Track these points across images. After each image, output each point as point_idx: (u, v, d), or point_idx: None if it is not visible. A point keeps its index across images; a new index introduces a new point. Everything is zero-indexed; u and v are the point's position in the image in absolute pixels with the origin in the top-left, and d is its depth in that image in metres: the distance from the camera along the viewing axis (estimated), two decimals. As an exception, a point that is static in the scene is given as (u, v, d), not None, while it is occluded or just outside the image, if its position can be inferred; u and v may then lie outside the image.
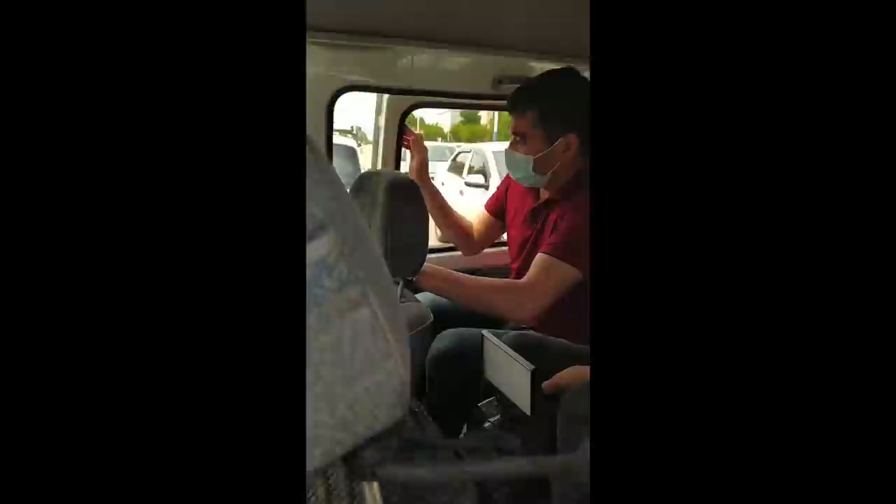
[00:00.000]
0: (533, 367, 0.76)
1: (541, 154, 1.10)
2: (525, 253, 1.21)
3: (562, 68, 1.15)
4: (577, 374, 0.85)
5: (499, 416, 0.88)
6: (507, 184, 1.33)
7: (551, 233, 1.10)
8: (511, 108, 1.13)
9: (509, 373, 0.82)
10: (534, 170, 1.11)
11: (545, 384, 0.84)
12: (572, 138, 1.09)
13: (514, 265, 1.27)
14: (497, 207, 1.37)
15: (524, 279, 1.06)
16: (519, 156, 1.12)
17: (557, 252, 1.04)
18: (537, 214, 1.19)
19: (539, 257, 1.07)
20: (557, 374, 0.86)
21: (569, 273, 1.03)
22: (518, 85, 1.21)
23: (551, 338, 1.14)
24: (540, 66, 1.28)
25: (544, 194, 1.19)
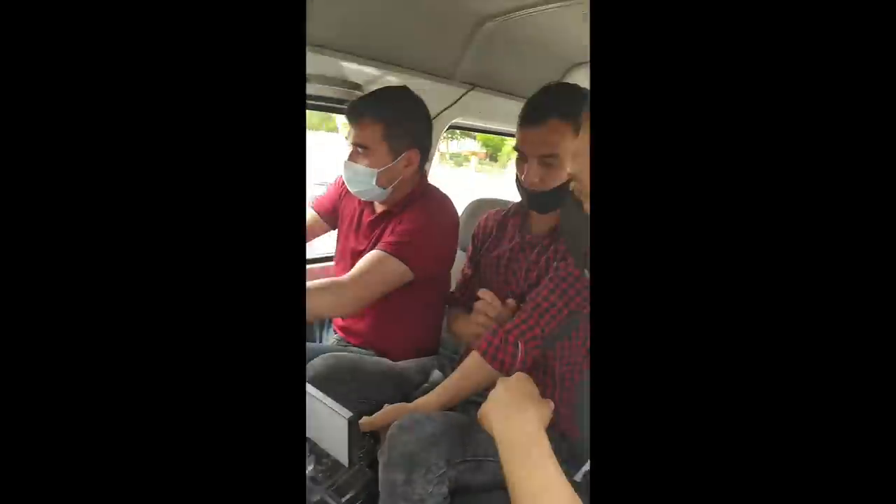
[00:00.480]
0: (350, 414, 0.68)
1: (384, 168, 1.06)
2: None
3: (401, 86, 1.13)
4: (396, 412, 0.80)
5: (311, 468, 0.77)
6: (342, 190, 1.24)
7: (388, 236, 1.08)
8: (353, 118, 1.07)
9: (323, 420, 0.72)
10: (376, 183, 1.07)
11: (362, 422, 0.77)
12: (414, 154, 1.09)
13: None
14: (329, 209, 1.27)
15: (347, 273, 1.00)
16: (361, 168, 1.07)
17: (391, 248, 1.02)
18: (374, 227, 1.15)
19: (370, 253, 1.04)
20: (375, 415, 0.79)
21: (400, 270, 1.02)
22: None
23: (368, 357, 1.08)
24: (350, 67, 1.21)
25: (380, 207, 1.15)
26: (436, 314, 1.15)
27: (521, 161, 0.95)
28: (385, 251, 1.02)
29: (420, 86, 1.27)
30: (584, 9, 1.05)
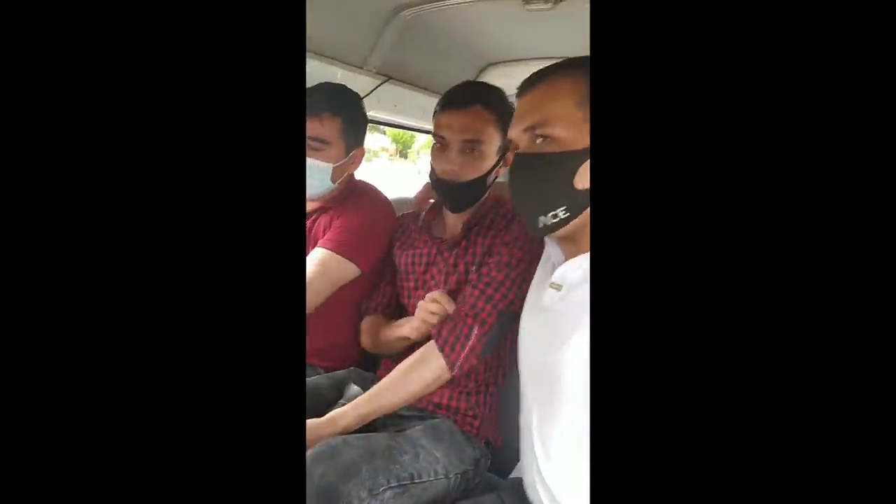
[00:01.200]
0: None
1: (340, 163, 1.02)
2: None
3: (340, 84, 1.08)
4: (322, 429, 0.71)
5: None
6: None
7: (324, 232, 1.03)
8: (313, 112, 0.99)
9: None
10: (331, 179, 1.02)
11: None
12: (360, 152, 1.07)
13: None
14: None
15: None
16: (321, 164, 1.00)
17: (335, 246, 0.98)
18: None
19: (314, 251, 0.98)
20: None
21: (348, 268, 0.98)
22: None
23: None
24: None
25: (312, 204, 1.08)
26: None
27: (440, 150, 0.91)
28: (329, 249, 0.97)
29: (331, 74, 1.17)
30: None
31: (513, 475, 0.86)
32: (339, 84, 1.08)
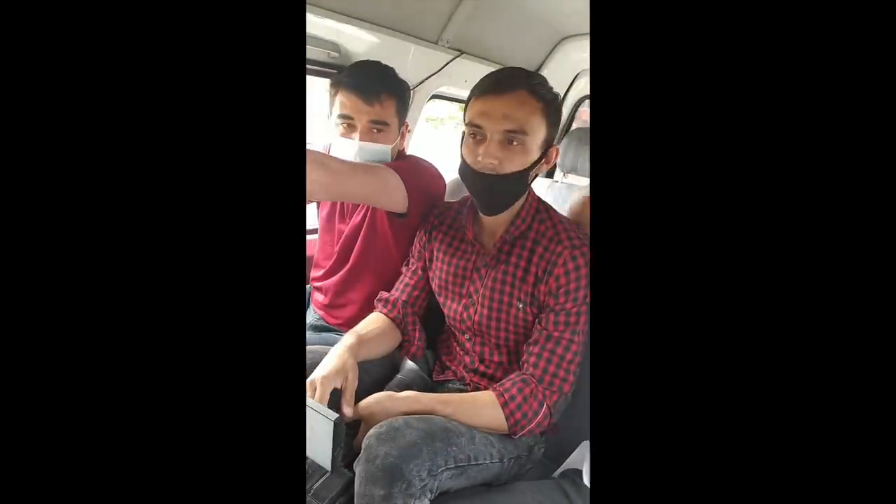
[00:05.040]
0: (336, 416, 0.66)
1: (394, 143, 1.03)
2: (351, 244, 1.09)
3: (376, 60, 1.05)
4: (384, 404, 0.75)
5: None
6: None
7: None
8: (374, 97, 0.98)
9: (310, 429, 0.68)
10: (391, 159, 1.03)
11: (345, 410, 0.74)
12: (406, 126, 1.08)
13: (331, 263, 1.11)
14: None
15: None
16: (381, 146, 1.01)
17: (392, 166, 0.96)
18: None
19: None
20: (361, 403, 0.75)
21: (395, 183, 0.92)
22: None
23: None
24: (324, 24, 1.09)
25: None
26: None
27: (476, 143, 0.79)
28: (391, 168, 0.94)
29: (404, 50, 1.16)
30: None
31: (567, 464, 0.86)
32: (384, 64, 1.04)
